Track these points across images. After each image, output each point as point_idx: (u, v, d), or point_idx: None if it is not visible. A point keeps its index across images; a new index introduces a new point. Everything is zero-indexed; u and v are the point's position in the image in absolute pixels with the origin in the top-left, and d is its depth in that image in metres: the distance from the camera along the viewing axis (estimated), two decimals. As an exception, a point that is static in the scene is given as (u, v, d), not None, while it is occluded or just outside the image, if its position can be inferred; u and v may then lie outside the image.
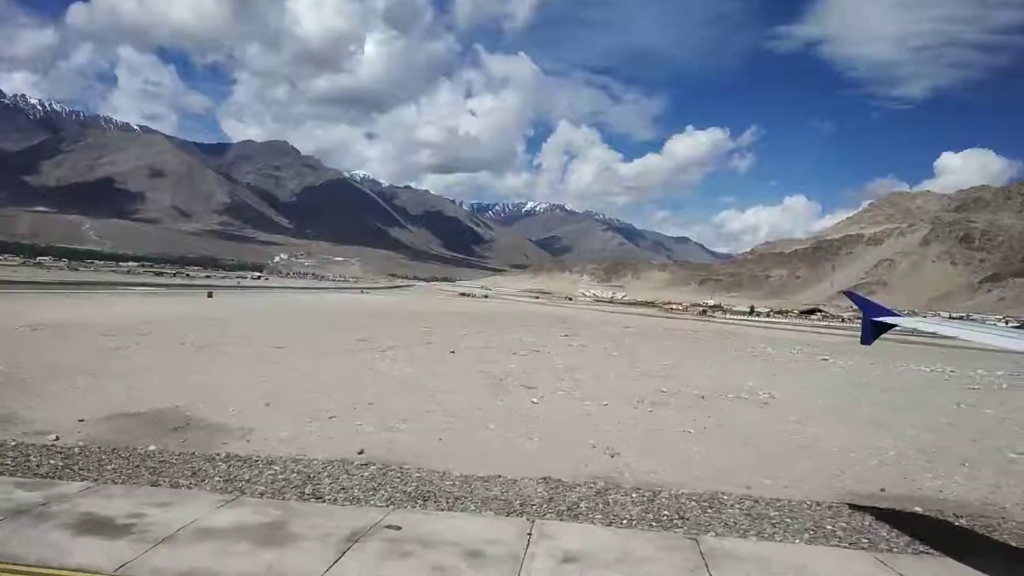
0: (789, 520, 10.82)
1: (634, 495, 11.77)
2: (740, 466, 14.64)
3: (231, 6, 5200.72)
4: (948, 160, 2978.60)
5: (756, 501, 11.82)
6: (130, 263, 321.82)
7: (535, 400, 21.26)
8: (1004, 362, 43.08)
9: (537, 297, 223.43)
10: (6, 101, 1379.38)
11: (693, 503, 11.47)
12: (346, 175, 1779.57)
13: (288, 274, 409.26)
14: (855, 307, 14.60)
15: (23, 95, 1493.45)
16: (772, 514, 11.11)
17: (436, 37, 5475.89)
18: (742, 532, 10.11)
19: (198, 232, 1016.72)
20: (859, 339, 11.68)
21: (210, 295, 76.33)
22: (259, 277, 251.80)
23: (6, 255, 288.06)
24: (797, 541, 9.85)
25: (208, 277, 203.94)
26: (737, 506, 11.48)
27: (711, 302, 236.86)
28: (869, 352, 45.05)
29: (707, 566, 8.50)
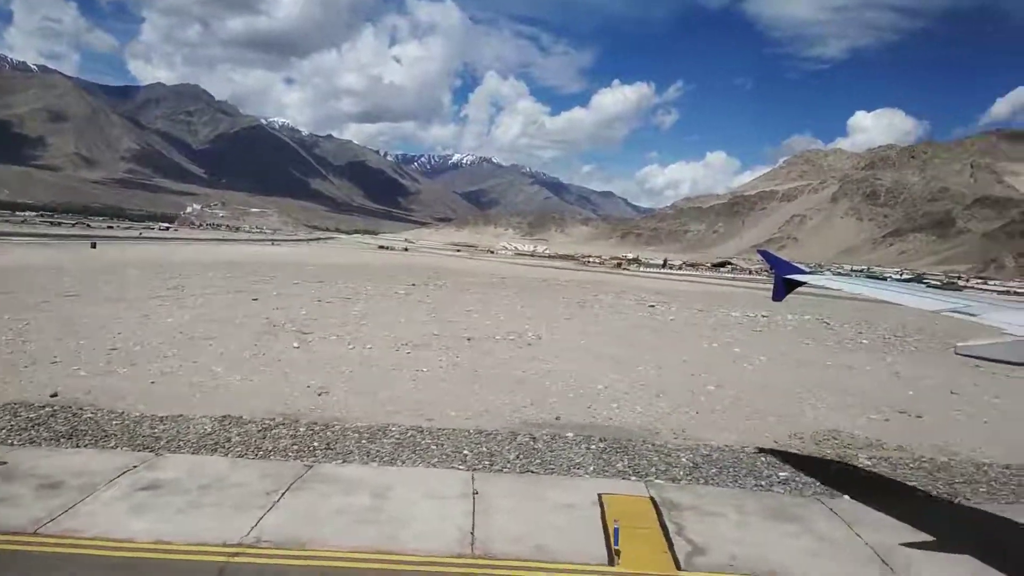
0: (435, 446, 11.61)
1: (289, 428, 12.21)
2: (440, 399, 15.09)
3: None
4: (861, 119, 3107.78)
5: (420, 430, 12.48)
6: (27, 213, 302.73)
7: (296, 344, 20.86)
8: (871, 314, 44.09)
9: (459, 251, 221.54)
10: None
11: (331, 434, 12.05)
12: (263, 122, 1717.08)
13: (200, 225, 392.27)
14: (764, 261, 14.67)
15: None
16: (422, 440, 11.88)
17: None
18: (363, 457, 11.00)
19: (103, 180, 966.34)
20: (765, 293, 11.96)
21: (93, 246, 71.67)
22: (166, 228, 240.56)
23: None
24: (416, 464, 10.78)
25: (110, 228, 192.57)
26: (382, 434, 12.16)
27: (630, 256, 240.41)
28: (712, 301, 47.37)
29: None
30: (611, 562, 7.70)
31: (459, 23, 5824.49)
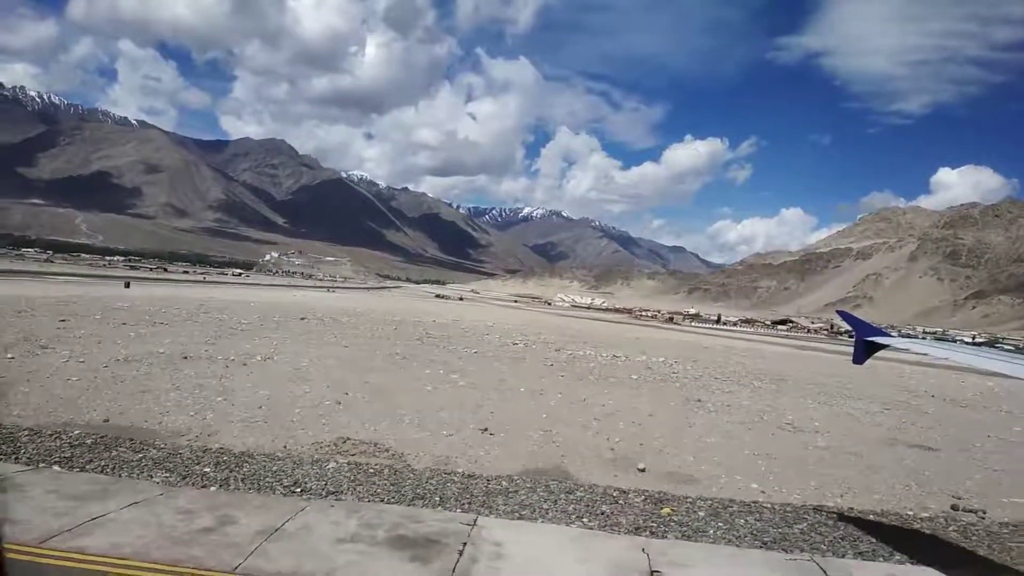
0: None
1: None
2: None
3: (232, 3, 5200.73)
4: (944, 176, 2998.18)
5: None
6: (116, 257, 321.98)
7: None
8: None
9: (516, 301, 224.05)
10: (5, 92, 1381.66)
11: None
12: (343, 175, 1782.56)
13: (276, 272, 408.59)
14: (823, 319, 14.56)
15: (22, 87, 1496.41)
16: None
17: (437, 40, 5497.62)
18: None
19: (192, 229, 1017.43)
20: (851, 358, 11.28)
21: (127, 286, 75.68)
22: (239, 274, 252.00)
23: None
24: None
25: (185, 272, 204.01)
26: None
27: (692, 311, 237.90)
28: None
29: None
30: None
31: (532, 80, 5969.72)
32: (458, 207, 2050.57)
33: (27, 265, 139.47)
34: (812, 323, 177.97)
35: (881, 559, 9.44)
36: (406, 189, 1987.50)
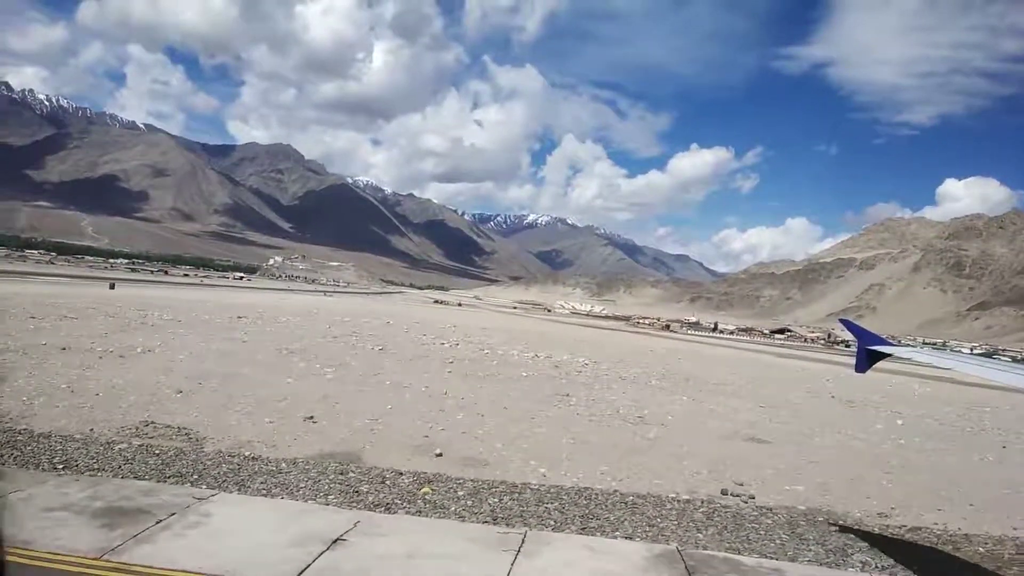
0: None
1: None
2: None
3: (240, 8, 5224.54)
4: (950, 187, 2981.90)
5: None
6: (120, 259, 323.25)
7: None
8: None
9: (515, 308, 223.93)
10: (14, 95, 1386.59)
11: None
12: (349, 181, 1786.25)
13: (280, 277, 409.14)
14: (823, 329, 14.48)
15: (31, 90, 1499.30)
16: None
17: (444, 47, 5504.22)
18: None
19: (197, 233, 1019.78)
20: (853, 368, 11.50)
21: (112, 287, 75.96)
22: (241, 278, 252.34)
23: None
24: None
25: (185, 275, 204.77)
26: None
27: (692, 319, 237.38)
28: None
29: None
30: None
31: (539, 88, 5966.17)
32: (463, 213, 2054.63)
33: (23, 266, 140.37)
34: (811, 332, 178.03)
35: (570, 529, 10.17)
36: (412, 195, 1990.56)
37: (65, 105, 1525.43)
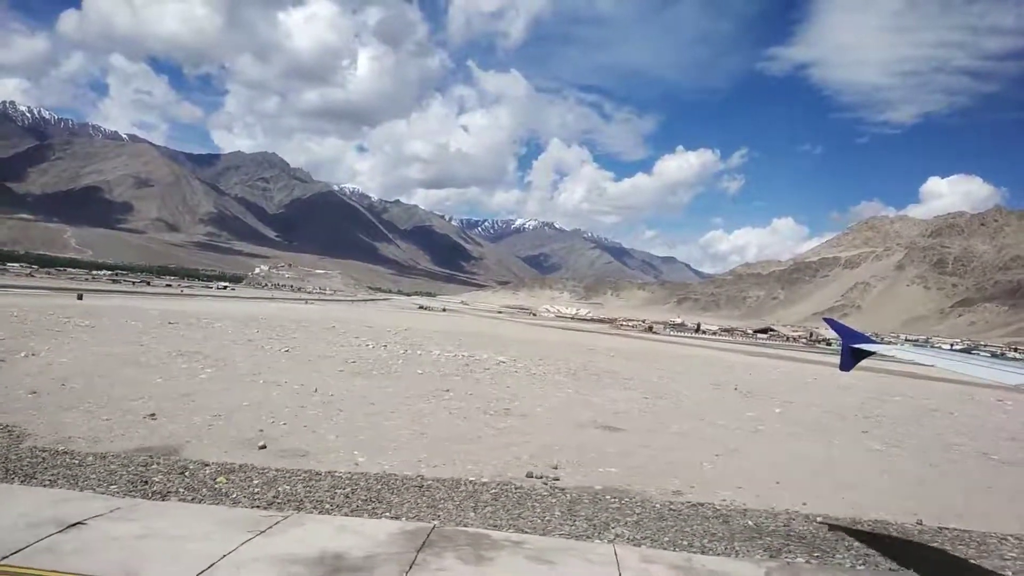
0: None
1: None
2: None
3: (223, 17, 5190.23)
4: (934, 185, 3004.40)
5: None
6: (103, 271, 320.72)
7: None
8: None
9: (500, 312, 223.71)
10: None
11: None
12: (335, 188, 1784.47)
13: (265, 286, 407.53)
14: (806, 328, 14.26)
15: (12, 101, 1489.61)
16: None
17: (429, 53, 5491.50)
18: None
19: (183, 243, 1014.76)
20: (839, 366, 11.24)
21: (79, 297, 74.97)
22: (224, 287, 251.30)
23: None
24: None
25: (168, 286, 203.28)
26: None
27: (677, 321, 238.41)
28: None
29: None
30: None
31: (524, 92, 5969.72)
32: (451, 219, 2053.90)
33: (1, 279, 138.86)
34: (793, 331, 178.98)
35: (341, 512, 10.38)
36: (398, 202, 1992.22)
37: (47, 116, 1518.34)
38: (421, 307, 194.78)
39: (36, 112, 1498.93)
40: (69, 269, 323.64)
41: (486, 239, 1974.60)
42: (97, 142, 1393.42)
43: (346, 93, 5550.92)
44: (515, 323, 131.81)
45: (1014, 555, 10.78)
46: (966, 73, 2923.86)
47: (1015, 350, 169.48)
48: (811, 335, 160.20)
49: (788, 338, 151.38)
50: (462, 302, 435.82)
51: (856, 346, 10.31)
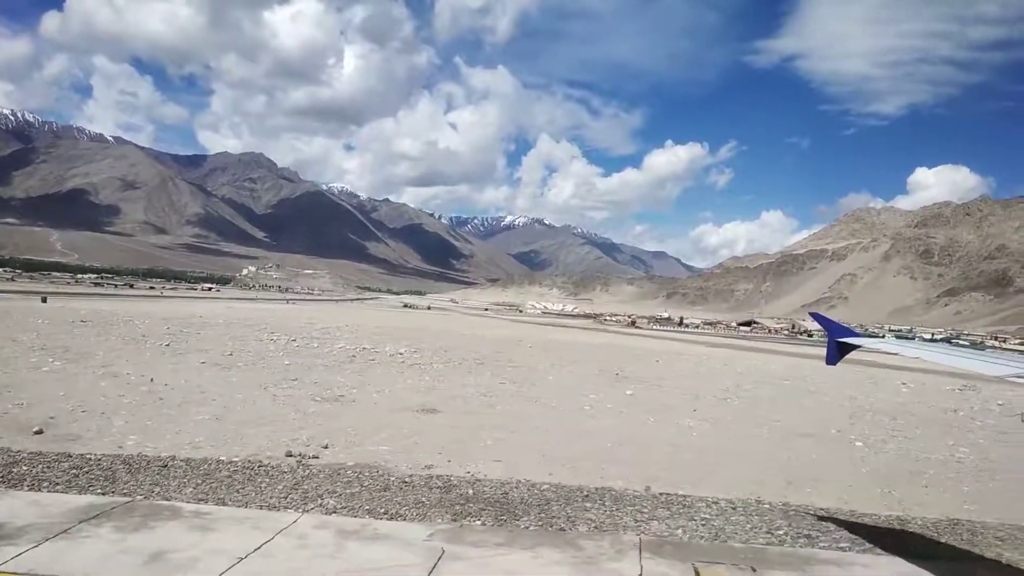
0: None
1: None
2: None
3: (207, 17, 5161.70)
4: (921, 176, 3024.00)
5: None
6: (88, 275, 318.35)
7: None
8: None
9: (487, 310, 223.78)
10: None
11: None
12: (323, 188, 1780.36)
13: (253, 286, 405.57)
14: (790, 320, 14.03)
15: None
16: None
17: (415, 50, 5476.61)
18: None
19: (170, 245, 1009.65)
20: (824, 359, 10.94)
21: (44, 300, 74.28)
22: (209, 289, 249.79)
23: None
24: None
25: (151, 288, 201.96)
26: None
27: (664, 315, 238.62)
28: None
29: None
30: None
31: (512, 88, 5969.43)
32: (440, 217, 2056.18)
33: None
34: (776, 324, 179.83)
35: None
36: (387, 200, 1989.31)
37: (31, 119, 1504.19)
38: (406, 305, 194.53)
39: (20, 115, 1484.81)
40: (54, 273, 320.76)
41: (476, 236, 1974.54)
42: (82, 144, 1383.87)
43: (333, 91, 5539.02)
44: (490, 320, 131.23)
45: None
46: (952, 63, 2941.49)
47: (995, 338, 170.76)
48: (794, 327, 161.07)
49: (771, 330, 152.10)
50: (451, 300, 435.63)
51: (841, 340, 10.27)
